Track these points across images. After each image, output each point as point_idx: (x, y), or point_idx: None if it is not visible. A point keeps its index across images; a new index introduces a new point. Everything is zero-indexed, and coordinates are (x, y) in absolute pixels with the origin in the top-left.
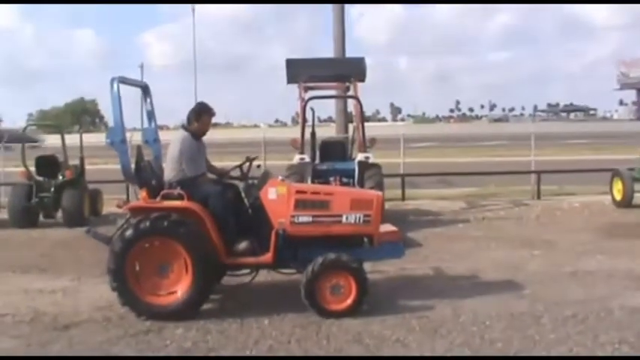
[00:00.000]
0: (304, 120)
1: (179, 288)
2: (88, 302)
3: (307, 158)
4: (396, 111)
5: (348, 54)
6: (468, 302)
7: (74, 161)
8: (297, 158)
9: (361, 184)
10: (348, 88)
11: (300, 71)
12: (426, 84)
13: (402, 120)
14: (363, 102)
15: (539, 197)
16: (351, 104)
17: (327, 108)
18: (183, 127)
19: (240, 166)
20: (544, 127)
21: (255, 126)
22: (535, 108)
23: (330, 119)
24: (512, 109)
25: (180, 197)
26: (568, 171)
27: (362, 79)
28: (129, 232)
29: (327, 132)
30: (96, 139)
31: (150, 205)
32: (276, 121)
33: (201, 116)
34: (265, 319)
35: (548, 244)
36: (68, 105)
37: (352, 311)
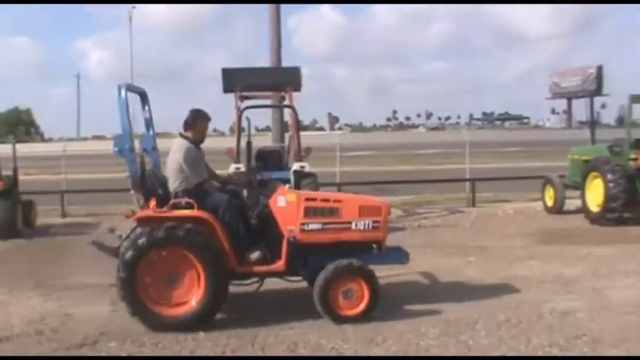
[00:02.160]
0: (240, 129)
1: (191, 298)
2: (20, 316)
3: (243, 168)
4: (333, 120)
5: (287, 63)
6: (403, 309)
7: (7, 172)
8: (232, 168)
9: None
10: (283, 98)
11: (236, 81)
12: (363, 93)
13: (340, 129)
14: (300, 111)
15: (474, 204)
16: (287, 113)
17: (264, 117)
18: (181, 134)
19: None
20: (479, 135)
21: None
22: (470, 117)
23: (267, 128)
24: (448, 118)
25: (189, 206)
26: (502, 178)
27: (297, 89)
28: (142, 241)
29: (264, 141)
30: (30, 149)
31: (160, 214)
32: (214, 130)
33: (196, 122)
34: (200, 331)
35: (483, 251)
36: (1, 115)
37: (365, 316)
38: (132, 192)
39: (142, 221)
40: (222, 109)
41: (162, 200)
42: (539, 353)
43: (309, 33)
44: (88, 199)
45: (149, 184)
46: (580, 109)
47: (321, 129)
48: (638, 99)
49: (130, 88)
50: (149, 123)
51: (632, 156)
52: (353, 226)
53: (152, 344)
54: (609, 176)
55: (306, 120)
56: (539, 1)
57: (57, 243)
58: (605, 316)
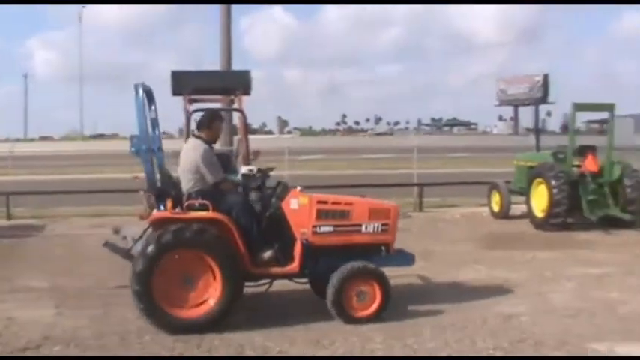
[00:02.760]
0: (188, 132)
1: (206, 300)
2: None
3: None
4: (282, 124)
5: (237, 65)
6: None
7: None
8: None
9: None
10: (233, 101)
11: (185, 83)
12: (314, 97)
13: (289, 133)
14: (250, 115)
15: (421, 209)
16: (235, 117)
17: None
18: (194, 135)
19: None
20: (427, 140)
21: None
22: (419, 122)
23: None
24: (397, 123)
25: (203, 208)
26: (450, 184)
27: (247, 92)
28: (163, 241)
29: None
30: None
31: (177, 216)
32: (164, 133)
33: (213, 122)
34: (146, 334)
35: (430, 255)
36: None
37: (376, 316)
38: (141, 193)
39: (158, 223)
40: (172, 112)
41: (176, 201)
42: (484, 356)
43: (260, 35)
44: (34, 200)
45: (162, 185)
46: (527, 116)
47: (270, 132)
48: (581, 107)
49: (146, 88)
50: (155, 123)
51: (576, 163)
52: (363, 228)
53: (98, 347)
54: (553, 182)
55: (255, 123)
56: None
57: (2, 245)
58: (548, 319)
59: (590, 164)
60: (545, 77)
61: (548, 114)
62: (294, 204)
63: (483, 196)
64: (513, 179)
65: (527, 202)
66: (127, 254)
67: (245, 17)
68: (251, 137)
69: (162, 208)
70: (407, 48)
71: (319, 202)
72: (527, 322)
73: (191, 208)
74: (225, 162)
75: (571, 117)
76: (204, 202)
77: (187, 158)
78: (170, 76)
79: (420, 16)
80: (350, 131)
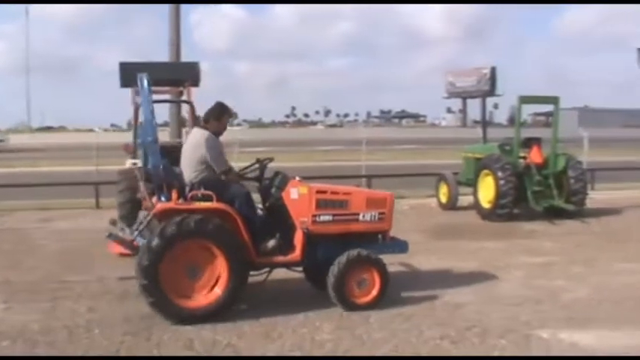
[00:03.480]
0: (137, 124)
1: (212, 290)
2: None
3: (140, 163)
4: (232, 116)
5: (187, 58)
6: (299, 305)
7: None
8: (129, 163)
9: None
10: (182, 93)
11: (134, 75)
12: (264, 89)
13: (238, 125)
14: (199, 107)
15: None
16: (185, 109)
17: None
18: (201, 126)
19: (252, 168)
20: (376, 132)
21: (90, 130)
22: (368, 114)
23: (166, 124)
24: (346, 115)
25: (206, 198)
26: (398, 175)
27: (196, 84)
28: (170, 231)
29: (163, 136)
30: None
31: (182, 206)
32: (112, 125)
33: (222, 116)
34: (95, 328)
35: None
36: None
37: (376, 303)
38: (142, 183)
39: (163, 213)
40: (121, 104)
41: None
42: (431, 345)
43: (210, 28)
44: None
45: (166, 176)
46: (475, 108)
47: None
48: (527, 100)
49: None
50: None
51: (521, 154)
52: (361, 217)
53: (46, 343)
54: (500, 174)
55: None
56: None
57: None
58: (495, 307)
59: (535, 156)
60: (493, 70)
61: (496, 106)
62: (295, 193)
63: (431, 188)
64: (461, 171)
65: (475, 194)
66: (130, 245)
67: (195, 10)
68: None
69: (163, 198)
70: (356, 42)
71: (318, 191)
72: (474, 310)
73: (194, 198)
74: (173, 154)
75: (517, 109)
76: (208, 192)
77: (193, 148)
78: (118, 67)
79: (370, 10)
80: (299, 123)
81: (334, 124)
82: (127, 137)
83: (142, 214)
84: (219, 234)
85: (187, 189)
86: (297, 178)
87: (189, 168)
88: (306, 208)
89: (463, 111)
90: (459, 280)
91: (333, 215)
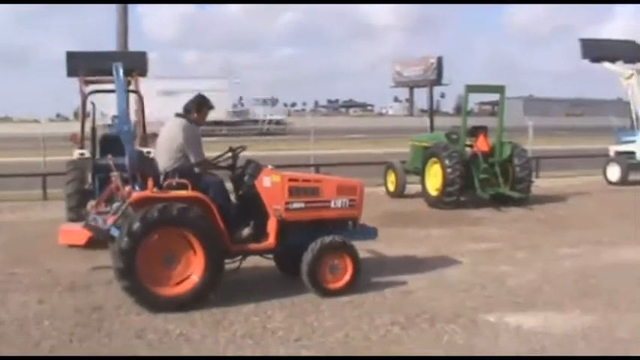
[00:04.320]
0: (84, 114)
1: (188, 278)
2: None
3: (87, 153)
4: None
5: (135, 48)
6: (251, 294)
7: None
8: (76, 153)
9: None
10: (129, 82)
11: (81, 64)
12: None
13: None
14: (147, 97)
15: None
16: (132, 98)
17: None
18: (179, 115)
19: (225, 157)
20: (324, 121)
21: (36, 121)
22: (316, 104)
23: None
24: (293, 105)
25: (181, 186)
26: (345, 164)
27: (143, 74)
28: (152, 217)
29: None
30: None
31: (158, 195)
32: (58, 115)
33: (202, 108)
34: (45, 320)
35: None
36: None
37: (349, 288)
38: (114, 173)
39: (139, 202)
40: (66, 94)
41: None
42: (382, 332)
43: (158, 18)
44: None
45: (141, 165)
46: (422, 97)
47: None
48: (473, 89)
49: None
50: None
51: (468, 143)
52: (332, 204)
53: None
54: (447, 162)
55: None
56: None
57: None
58: (443, 293)
59: (481, 144)
60: (439, 60)
61: (442, 95)
62: (267, 182)
63: (380, 177)
64: (408, 159)
65: (422, 182)
66: (106, 234)
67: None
68: (148, 119)
69: (137, 188)
70: (304, 32)
71: (290, 179)
72: (423, 297)
73: (170, 187)
74: (121, 144)
75: (464, 98)
76: (183, 180)
77: (171, 136)
78: (65, 56)
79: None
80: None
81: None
82: (74, 127)
83: (116, 203)
84: (196, 222)
85: (162, 177)
86: (270, 167)
87: (165, 156)
88: (279, 195)
89: (410, 100)
90: (408, 267)
91: (305, 202)
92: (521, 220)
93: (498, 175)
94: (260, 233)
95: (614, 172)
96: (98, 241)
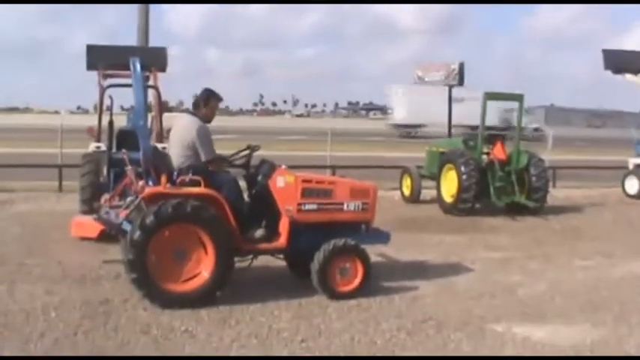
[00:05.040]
0: (102, 108)
1: (198, 275)
2: None
3: (103, 147)
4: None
5: (156, 44)
6: (258, 292)
7: None
8: (92, 146)
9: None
10: (148, 78)
11: (100, 58)
12: (232, 77)
13: None
14: (167, 92)
15: None
16: (151, 94)
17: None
18: (189, 111)
19: (241, 155)
20: (343, 123)
21: (56, 112)
22: (336, 105)
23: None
24: (314, 106)
25: (194, 183)
26: (362, 167)
27: (162, 69)
28: (166, 212)
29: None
30: None
31: (171, 191)
32: (78, 107)
33: (209, 101)
34: (52, 311)
35: None
36: None
37: (359, 291)
38: (129, 168)
39: (152, 197)
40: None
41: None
42: (387, 336)
43: (182, 13)
44: None
45: (155, 160)
46: None
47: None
48: (492, 96)
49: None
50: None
51: (485, 150)
52: (345, 207)
53: (1, 325)
54: (463, 168)
55: (172, 101)
56: None
57: None
58: (452, 301)
59: (498, 152)
60: (461, 65)
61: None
62: (281, 182)
63: (395, 181)
64: (425, 164)
65: (438, 187)
66: (118, 228)
67: None
68: (168, 115)
69: (150, 183)
70: (327, 32)
71: (304, 180)
72: (431, 303)
73: (183, 183)
74: (137, 139)
75: (482, 105)
76: (196, 177)
77: (181, 134)
78: (85, 50)
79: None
80: (267, 112)
81: (301, 114)
82: (94, 120)
83: (129, 198)
84: (209, 219)
85: (175, 174)
86: (284, 167)
87: (177, 153)
88: (292, 196)
89: None
90: (419, 273)
91: (318, 204)
92: (535, 229)
93: (514, 183)
94: (272, 233)
95: (632, 185)
96: (110, 234)
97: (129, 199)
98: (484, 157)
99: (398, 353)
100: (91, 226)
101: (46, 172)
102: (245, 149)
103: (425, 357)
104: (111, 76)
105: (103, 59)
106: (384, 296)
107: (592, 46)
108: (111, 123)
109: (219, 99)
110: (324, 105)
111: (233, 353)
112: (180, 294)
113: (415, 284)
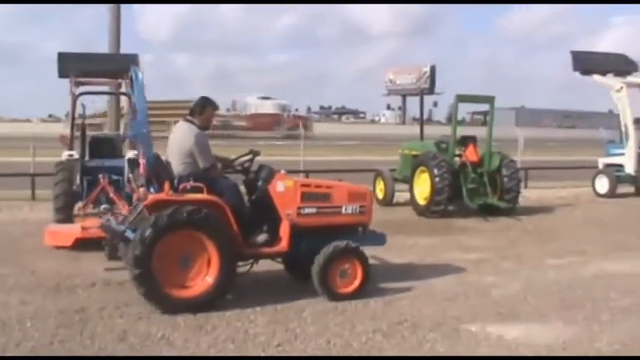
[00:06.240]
0: (74, 115)
1: (202, 280)
2: None
3: (76, 155)
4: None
5: (128, 50)
6: (234, 299)
7: None
8: (65, 155)
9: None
10: (120, 84)
11: (72, 65)
12: (205, 82)
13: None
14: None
15: None
16: (123, 101)
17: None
18: (186, 119)
19: (243, 160)
20: (315, 127)
21: (28, 120)
22: (308, 109)
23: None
24: None
25: (196, 190)
26: (335, 171)
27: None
28: (162, 222)
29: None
30: None
31: (174, 198)
32: (50, 115)
33: (205, 109)
34: (27, 321)
35: None
36: None
37: (358, 293)
38: (130, 175)
39: (155, 204)
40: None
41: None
42: (363, 339)
43: (152, 19)
44: None
45: (157, 168)
46: (414, 105)
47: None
48: (463, 99)
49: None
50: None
51: (457, 152)
52: (343, 210)
53: None
54: (435, 171)
55: None
56: None
57: None
58: (427, 302)
59: (470, 154)
60: (433, 69)
61: (435, 104)
62: (281, 187)
63: (369, 184)
64: (398, 167)
65: (411, 190)
66: (122, 236)
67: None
68: None
69: (152, 190)
70: (299, 37)
71: (303, 185)
72: (406, 305)
73: (185, 190)
74: (110, 146)
75: (454, 108)
76: (198, 184)
77: (179, 142)
78: (57, 57)
79: (314, 5)
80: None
81: None
82: (66, 128)
83: (103, 205)
84: (210, 225)
85: (176, 181)
86: (283, 172)
87: (176, 161)
88: (291, 200)
89: (403, 108)
90: (394, 275)
91: (318, 208)
92: (507, 230)
93: (487, 185)
94: (272, 237)
95: (602, 185)
96: (84, 242)
97: (103, 206)
98: (456, 159)
99: (374, 354)
100: (64, 234)
101: (18, 181)
102: (247, 154)
103: (400, 357)
104: (83, 83)
105: (75, 67)
106: (360, 299)
107: (566, 48)
108: (83, 131)
109: (215, 107)
110: (297, 109)
111: None
112: (186, 299)
113: (390, 286)
